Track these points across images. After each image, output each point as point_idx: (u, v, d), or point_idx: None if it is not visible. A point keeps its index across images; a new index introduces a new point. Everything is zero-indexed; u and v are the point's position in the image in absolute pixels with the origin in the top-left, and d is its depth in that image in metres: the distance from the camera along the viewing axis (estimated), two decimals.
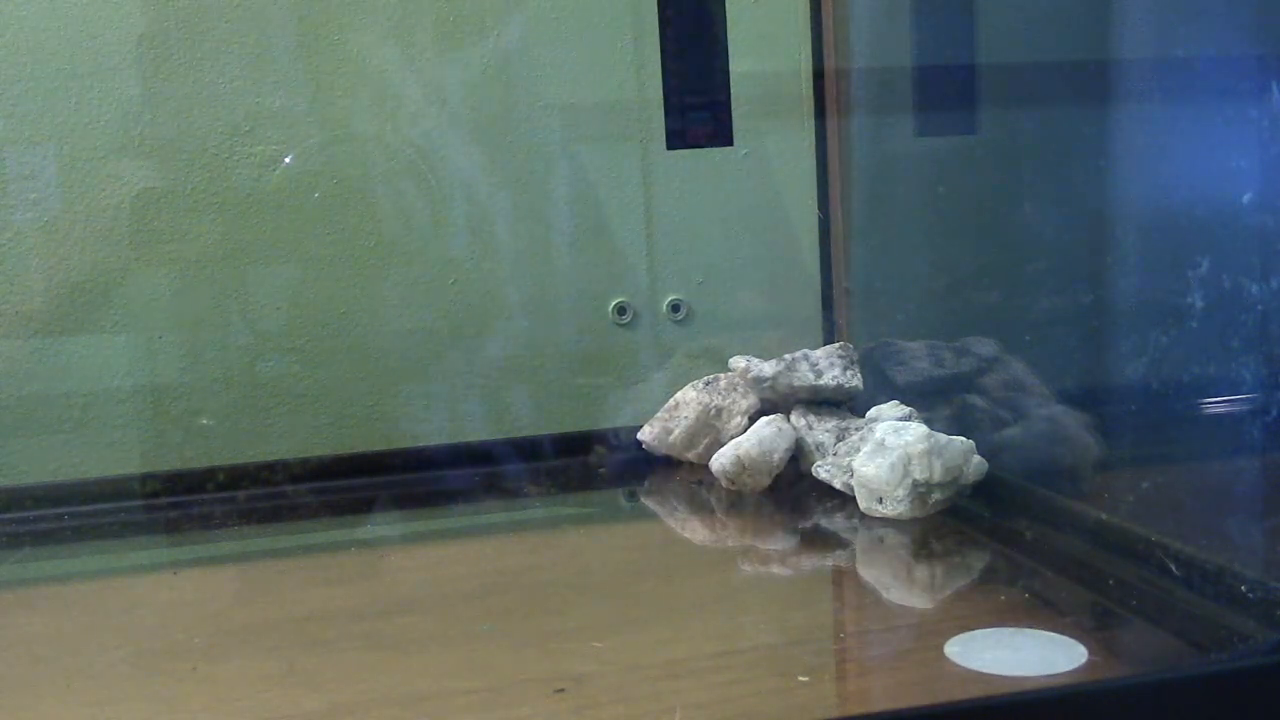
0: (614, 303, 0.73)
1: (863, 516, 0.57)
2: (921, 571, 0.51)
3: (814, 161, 0.75)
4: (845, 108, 0.74)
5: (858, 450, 0.59)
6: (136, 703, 0.42)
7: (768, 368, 0.64)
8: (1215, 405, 0.59)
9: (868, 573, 0.53)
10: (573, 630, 0.46)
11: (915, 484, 0.56)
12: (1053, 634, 0.42)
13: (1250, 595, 0.41)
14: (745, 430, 0.63)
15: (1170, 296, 0.56)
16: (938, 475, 0.55)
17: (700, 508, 0.63)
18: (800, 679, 0.40)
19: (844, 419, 0.64)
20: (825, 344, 0.68)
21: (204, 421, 0.66)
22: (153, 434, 0.68)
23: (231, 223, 0.68)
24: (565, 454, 0.70)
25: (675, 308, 0.73)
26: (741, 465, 0.61)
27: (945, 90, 0.63)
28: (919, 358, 0.66)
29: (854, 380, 0.64)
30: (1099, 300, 0.62)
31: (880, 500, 0.57)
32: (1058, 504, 0.52)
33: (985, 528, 0.54)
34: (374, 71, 0.69)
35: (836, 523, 0.58)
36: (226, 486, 0.66)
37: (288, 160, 0.68)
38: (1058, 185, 0.64)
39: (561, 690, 0.40)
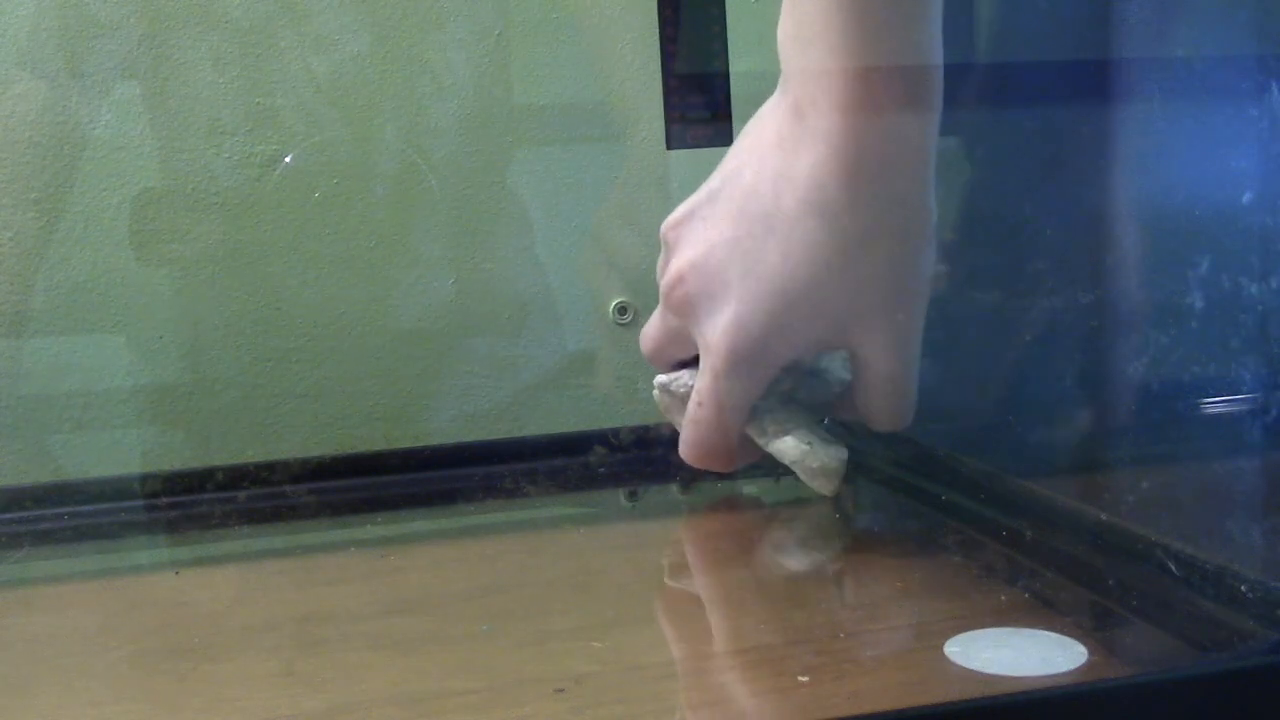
0: (614, 303, 0.73)
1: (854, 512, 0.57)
2: (921, 571, 0.51)
3: None
4: None
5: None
6: (136, 703, 0.42)
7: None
8: (1215, 405, 0.59)
9: (867, 571, 0.53)
10: (573, 630, 0.46)
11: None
12: (1053, 634, 0.42)
13: (1250, 595, 0.41)
14: None
15: (1170, 296, 0.57)
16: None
17: (701, 507, 0.63)
18: (800, 679, 0.40)
19: None
20: None
21: None
22: (153, 434, 0.68)
23: (231, 223, 0.68)
24: (565, 454, 0.70)
25: None
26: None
27: (944, 90, 0.63)
28: None
29: None
30: (1099, 300, 0.62)
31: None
32: (1058, 504, 0.53)
33: (985, 527, 0.54)
34: (374, 71, 0.69)
35: (831, 519, 0.58)
36: (226, 486, 0.66)
37: (288, 160, 0.68)
38: (1058, 185, 0.64)
39: (561, 690, 0.40)
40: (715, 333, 0.55)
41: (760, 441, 0.59)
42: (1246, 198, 0.55)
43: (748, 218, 0.54)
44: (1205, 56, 0.59)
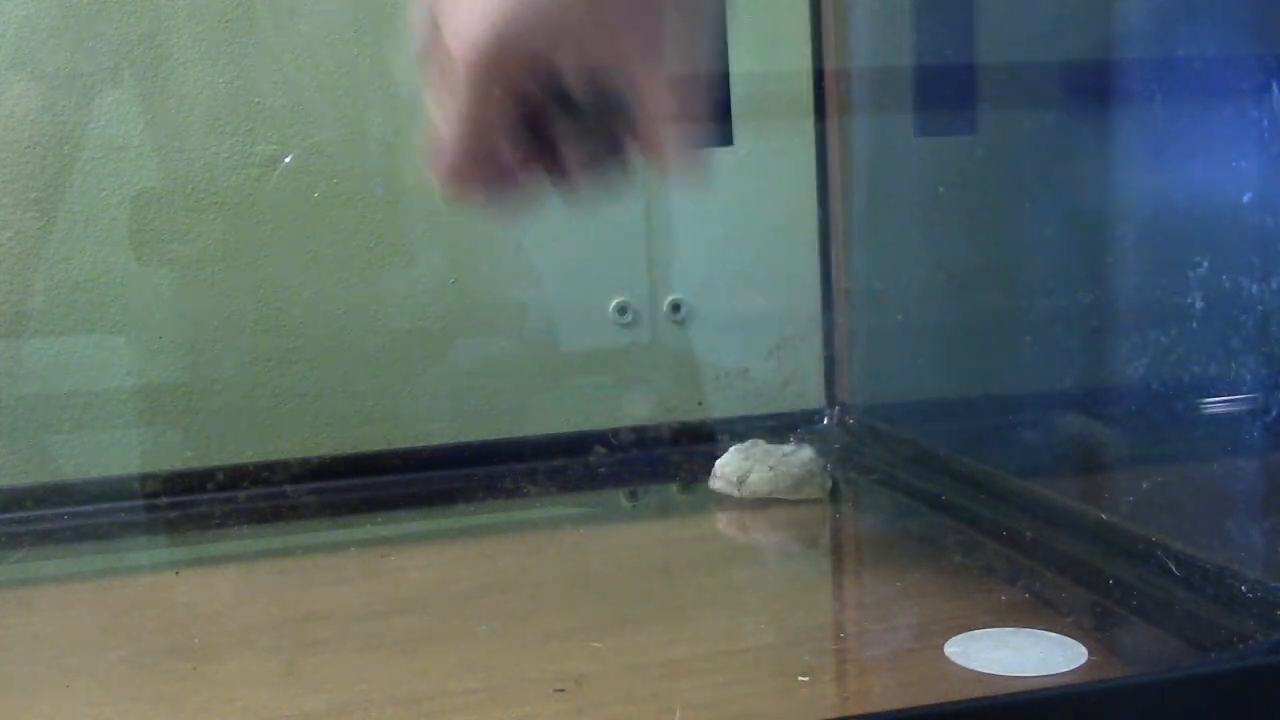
0: (614, 302, 0.73)
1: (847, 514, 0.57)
2: (921, 571, 0.51)
3: (814, 161, 0.75)
4: (845, 108, 0.74)
5: None
6: (136, 703, 0.42)
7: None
8: (1215, 405, 0.59)
9: (867, 571, 0.53)
10: (573, 630, 0.46)
11: None
12: (1053, 634, 0.42)
13: (1250, 595, 0.41)
14: None
15: (1170, 296, 0.57)
16: None
17: (701, 507, 0.63)
18: (800, 679, 0.40)
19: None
20: (824, 342, 0.70)
21: None
22: (153, 434, 0.68)
23: (231, 223, 0.68)
24: (565, 454, 0.70)
25: (676, 308, 0.73)
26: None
27: (945, 90, 0.63)
28: None
29: None
30: (1099, 300, 0.62)
31: None
32: (1058, 504, 0.53)
33: (985, 527, 0.54)
34: (374, 71, 0.69)
35: (831, 519, 0.58)
36: (226, 486, 0.66)
37: (288, 160, 0.68)
38: (1058, 185, 0.64)
39: (561, 690, 0.40)
40: (460, 33, 0.49)
41: (736, 493, 0.61)
42: (1247, 198, 0.55)
43: None
44: (1205, 56, 0.59)
